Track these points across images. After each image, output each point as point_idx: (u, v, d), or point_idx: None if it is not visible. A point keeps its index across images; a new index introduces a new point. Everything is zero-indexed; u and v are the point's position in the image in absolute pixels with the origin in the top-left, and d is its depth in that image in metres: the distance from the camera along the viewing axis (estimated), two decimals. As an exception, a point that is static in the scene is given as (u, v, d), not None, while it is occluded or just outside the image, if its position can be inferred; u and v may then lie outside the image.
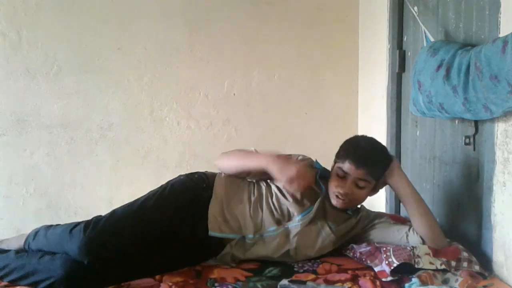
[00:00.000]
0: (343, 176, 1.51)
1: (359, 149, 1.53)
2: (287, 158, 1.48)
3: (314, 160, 1.63)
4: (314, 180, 1.47)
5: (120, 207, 1.47)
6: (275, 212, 1.52)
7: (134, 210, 1.45)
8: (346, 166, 1.50)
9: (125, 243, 1.38)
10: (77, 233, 1.35)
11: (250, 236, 1.49)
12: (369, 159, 1.51)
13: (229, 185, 1.57)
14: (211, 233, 1.46)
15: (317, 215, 1.53)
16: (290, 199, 1.51)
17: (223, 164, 1.59)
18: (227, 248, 1.48)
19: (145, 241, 1.41)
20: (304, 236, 1.50)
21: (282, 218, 1.52)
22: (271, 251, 1.49)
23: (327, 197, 1.56)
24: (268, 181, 1.59)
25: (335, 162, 1.59)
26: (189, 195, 1.53)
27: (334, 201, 1.53)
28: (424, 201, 1.55)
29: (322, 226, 1.53)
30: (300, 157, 1.61)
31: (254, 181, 1.61)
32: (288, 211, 1.52)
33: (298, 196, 1.50)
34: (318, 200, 1.54)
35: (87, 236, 1.33)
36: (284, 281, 1.35)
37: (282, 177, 1.39)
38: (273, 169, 1.42)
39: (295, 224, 1.50)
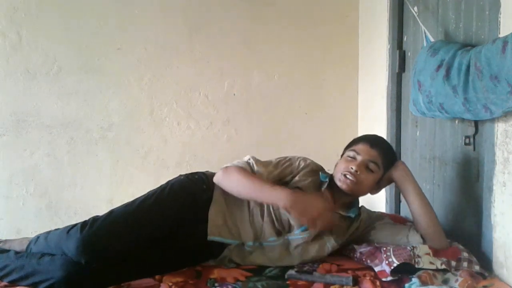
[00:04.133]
0: (353, 157, 1.55)
1: (373, 135, 1.66)
2: (305, 197, 1.42)
3: (320, 174, 1.61)
4: (332, 219, 1.46)
5: (118, 207, 1.46)
6: (276, 223, 1.50)
7: (132, 210, 1.44)
8: (359, 146, 1.56)
9: (122, 243, 1.37)
10: (74, 232, 1.35)
11: (250, 243, 1.48)
12: (383, 143, 1.61)
13: None
14: (210, 237, 1.45)
15: (322, 230, 1.51)
16: None
17: (228, 187, 1.50)
18: (225, 252, 1.48)
19: (143, 242, 1.40)
20: (307, 249, 1.49)
21: (282, 230, 1.50)
22: (270, 261, 1.47)
23: (333, 210, 1.55)
24: None
25: (342, 155, 1.63)
26: (189, 196, 1.51)
27: (340, 183, 1.52)
28: (428, 200, 1.55)
29: (328, 239, 1.52)
30: (301, 161, 1.60)
31: None
32: (289, 223, 1.51)
33: (316, 230, 1.47)
34: None
35: (84, 235, 1.32)
36: (292, 271, 1.38)
37: (303, 220, 1.38)
38: (294, 211, 1.38)
39: (296, 237, 1.49)
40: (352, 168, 1.51)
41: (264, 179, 1.50)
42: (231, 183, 1.49)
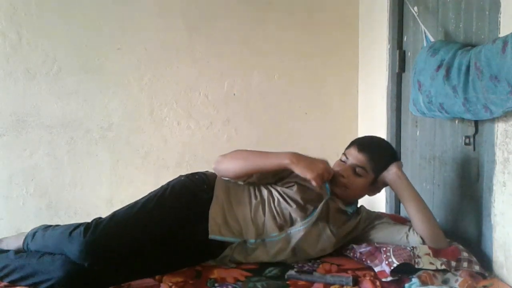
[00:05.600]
0: (344, 161, 1.58)
1: (366, 138, 1.68)
2: (307, 156, 1.49)
3: None
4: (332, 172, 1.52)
5: (121, 210, 1.45)
6: (277, 218, 1.50)
7: (134, 213, 1.43)
8: (350, 151, 1.59)
9: (125, 246, 1.36)
10: (77, 236, 1.33)
11: (252, 241, 1.47)
12: (373, 148, 1.59)
13: (230, 187, 1.56)
14: (211, 236, 1.45)
15: (319, 217, 1.52)
16: (293, 204, 1.51)
17: (228, 166, 1.53)
18: (227, 251, 1.47)
19: (145, 244, 1.40)
20: (304, 237, 1.50)
21: (285, 224, 1.50)
22: (272, 255, 1.48)
23: (331, 199, 1.56)
24: (269, 185, 1.58)
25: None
26: (190, 197, 1.51)
27: (332, 187, 1.56)
28: (424, 201, 1.55)
29: (323, 228, 1.52)
30: None
31: (254, 183, 1.61)
32: (291, 217, 1.51)
33: (319, 187, 1.50)
34: (323, 201, 1.54)
35: (88, 239, 1.31)
36: (292, 271, 1.38)
37: (310, 174, 1.42)
38: (299, 167, 1.43)
39: (298, 229, 1.50)
40: (340, 171, 1.55)
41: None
42: (232, 160, 1.53)
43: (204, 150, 2.65)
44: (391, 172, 1.55)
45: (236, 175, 1.54)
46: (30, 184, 2.53)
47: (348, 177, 1.54)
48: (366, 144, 1.59)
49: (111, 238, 1.35)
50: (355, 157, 1.56)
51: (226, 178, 1.59)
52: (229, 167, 1.53)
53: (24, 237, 1.51)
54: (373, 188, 1.60)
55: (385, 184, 1.61)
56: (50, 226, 1.52)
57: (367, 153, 1.55)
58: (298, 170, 1.44)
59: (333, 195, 1.57)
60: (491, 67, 1.22)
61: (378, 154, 1.58)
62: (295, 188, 1.53)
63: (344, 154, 1.60)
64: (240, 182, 1.60)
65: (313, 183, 1.43)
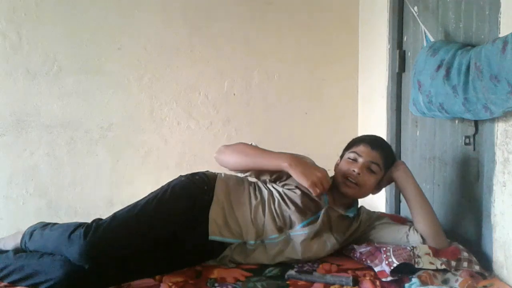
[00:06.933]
0: (355, 159, 1.56)
1: (372, 136, 1.66)
2: (305, 161, 1.49)
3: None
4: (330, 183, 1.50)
5: (121, 211, 1.44)
6: (277, 219, 1.50)
7: (134, 215, 1.42)
8: (360, 148, 1.57)
9: (126, 248, 1.36)
10: (76, 238, 1.32)
11: (251, 242, 1.47)
12: (383, 144, 1.62)
13: (231, 188, 1.56)
14: (211, 237, 1.45)
15: (322, 228, 1.52)
16: (292, 207, 1.51)
17: (228, 158, 1.56)
18: (226, 251, 1.47)
19: (146, 245, 1.40)
20: (308, 247, 1.49)
21: (284, 226, 1.50)
22: (272, 258, 1.47)
23: (330, 208, 1.56)
24: (268, 185, 1.58)
25: (342, 155, 1.63)
26: (190, 198, 1.51)
27: (344, 189, 1.54)
28: (427, 199, 1.56)
29: (328, 238, 1.52)
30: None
31: (254, 183, 1.61)
32: (290, 219, 1.51)
33: (318, 196, 1.50)
34: (322, 212, 1.53)
35: (88, 242, 1.30)
36: (292, 271, 1.38)
37: (306, 181, 1.42)
38: (296, 172, 1.43)
39: (298, 233, 1.49)
40: (354, 171, 1.53)
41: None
42: (233, 152, 1.55)
43: (204, 150, 2.65)
44: (399, 168, 1.58)
45: (235, 169, 1.59)
46: (30, 184, 2.53)
47: (364, 175, 1.54)
48: (376, 142, 1.61)
49: (112, 241, 1.34)
50: (369, 154, 1.55)
51: (226, 172, 1.61)
52: (229, 160, 1.56)
53: (21, 236, 1.50)
54: (378, 186, 1.61)
55: (389, 182, 1.62)
56: (48, 224, 1.51)
57: (380, 150, 1.56)
58: (295, 175, 1.44)
59: (338, 196, 1.57)
60: (491, 67, 1.22)
61: (388, 151, 1.62)
62: (298, 192, 1.52)
63: (353, 152, 1.57)
64: (240, 174, 1.62)
65: (311, 191, 1.44)
